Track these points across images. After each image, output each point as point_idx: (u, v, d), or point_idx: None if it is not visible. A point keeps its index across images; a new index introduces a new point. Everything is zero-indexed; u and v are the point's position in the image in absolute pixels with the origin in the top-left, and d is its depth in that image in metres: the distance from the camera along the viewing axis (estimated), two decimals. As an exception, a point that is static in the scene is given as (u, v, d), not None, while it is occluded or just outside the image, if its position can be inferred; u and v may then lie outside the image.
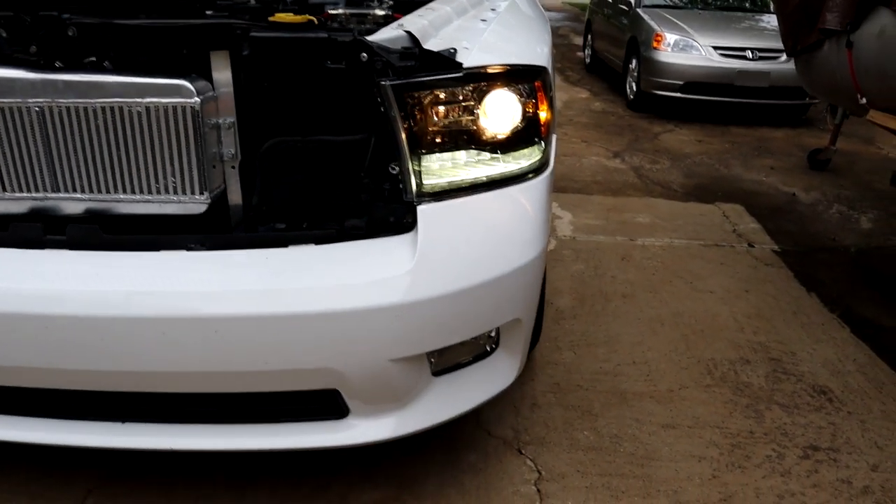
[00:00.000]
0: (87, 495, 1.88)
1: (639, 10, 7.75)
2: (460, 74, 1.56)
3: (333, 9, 1.96)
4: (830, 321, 3.00)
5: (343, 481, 1.95)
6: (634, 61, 7.42)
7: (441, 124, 1.60)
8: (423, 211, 1.56)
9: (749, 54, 6.66)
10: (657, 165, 5.38)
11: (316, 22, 1.63)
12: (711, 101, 6.82)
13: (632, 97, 7.47)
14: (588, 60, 10.09)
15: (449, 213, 1.59)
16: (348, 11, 1.93)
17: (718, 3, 8.31)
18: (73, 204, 1.64)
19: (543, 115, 1.75)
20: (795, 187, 4.91)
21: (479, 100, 1.62)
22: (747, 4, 8.23)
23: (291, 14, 1.60)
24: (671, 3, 8.08)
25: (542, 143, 1.76)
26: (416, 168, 1.57)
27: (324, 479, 1.96)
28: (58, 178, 1.61)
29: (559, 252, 3.59)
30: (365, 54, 1.52)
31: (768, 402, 2.40)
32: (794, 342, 2.80)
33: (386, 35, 1.60)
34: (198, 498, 1.88)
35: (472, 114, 1.62)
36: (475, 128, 1.63)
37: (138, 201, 1.61)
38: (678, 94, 6.83)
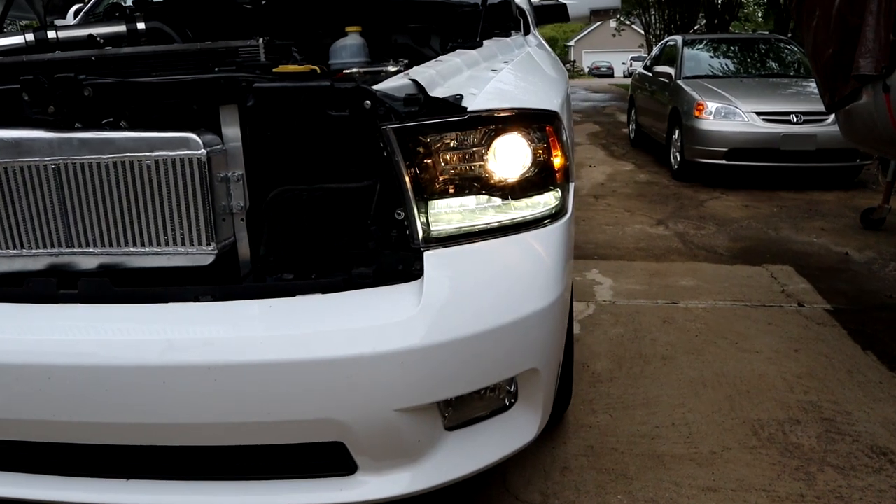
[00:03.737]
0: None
1: (679, 82, 7.79)
2: (465, 118, 1.55)
3: (348, 69, 1.99)
4: (890, 379, 2.81)
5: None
6: (677, 131, 7.41)
7: (447, 170, 1.58)
8: (430, 256, 1.53)
9: (793, 118, 6.57)
10: (702, 231, 5.27)
11: (319, 71, 1.65)
12: (757, 167, 6.72)
13: (676, 167, 7.42)
14: (632, 135, 10.14)
15: (457, 259, 1.55)
16: (362, 70, 1.96)
17: (759, 71, 8.30)
18: (86, 259, 1.66)
19: (557, 160, 1.72)
20: (848, 247, 4.73)
21: (487, 144, 1.60)
22: (791, 72, 8.17)
23: (295, 65, 1.63)
24: (711, 74, 8.10)
25: (558, 190, 1.72)
26: (423, 214, 1.55)
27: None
28: (72, 233, 1.64)
29: (597, 317, 3.50)
30: (368, 101, 1.53)
31: (821, 464, 2.23)
32: (849, 401, 2.63)
33: (391, 84, 1.61)
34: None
35: (480, 159, 1.60)
36: (483, 173, 1.60)
37: (148, 254, 1.62)
38: (723, 161, 6.75)
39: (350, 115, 1.55)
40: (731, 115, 6.77)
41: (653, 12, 24.30)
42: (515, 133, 1.63)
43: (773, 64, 8.49)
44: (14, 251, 1.67)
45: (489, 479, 2.11)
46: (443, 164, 1.58)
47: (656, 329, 3.33)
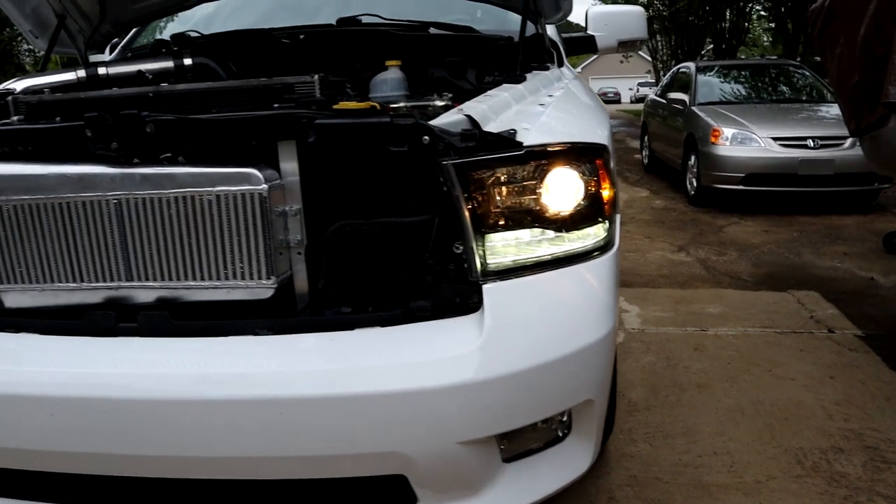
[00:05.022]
0: None
1: (694, 108, 7.84)
2: (521, 153, 1.57)
3: (395, 103, 2.03)
4: (928, 407, 2.80)
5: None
6: (693, 157, 7.43)
7: (504, 203, 1.60)
8: (489, 290, 1.54)
9: (810, 143, 6.59)
10: (724, 257, 5.27)
11: (378, 108, 1.67)
12: (775, 192, 6.73)
13: (692, 193, 7.44)
14: (646, 161, 10.17)
15: (515, 292, 1.57)
16: (409, 104, 1.99)
17: (772, 96, 8.35)
18: (145, 292, 1.68)
19: (606, 193, 1.74)
20: (873, 272, 4.72)
21: (541, 178, 1.62)
22: (803, 97, 8.22)
23: (355, 102, 1.66)
24: (725, 100, 8.14)
25: (607, 222, 1.74)
26: (481, 247, 1.57)
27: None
28: (132, 267, 1.66)
29: (628, 345, 3.49)
30: (427, 137, 1.55)
31: (869, 494, 2.22)
32: (891, 429, 2.61)
33: (447, 119, 1.63)
34: None
35: (535, 193, 1.62)
36: (538, 207, 1.62)
37: (207, 288, 1.64)
38: (740, 187, 6.77)
39: (408, 150, 1.57)
40: (747, 141, 6.79)
41: (659, 38, 24.51)
42: (568, 167, 1.65)
43: (786, 89, 8.54)
44: (74, 284, 1.70)
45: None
46: (498, 197, 1.59)
47: (688, 357, 3.33)
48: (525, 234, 1.62)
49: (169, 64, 2.39)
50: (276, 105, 1.69)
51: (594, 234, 1.71)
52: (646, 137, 10.16)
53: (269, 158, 1.64)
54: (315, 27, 2.75)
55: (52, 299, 1.72)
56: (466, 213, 1.55)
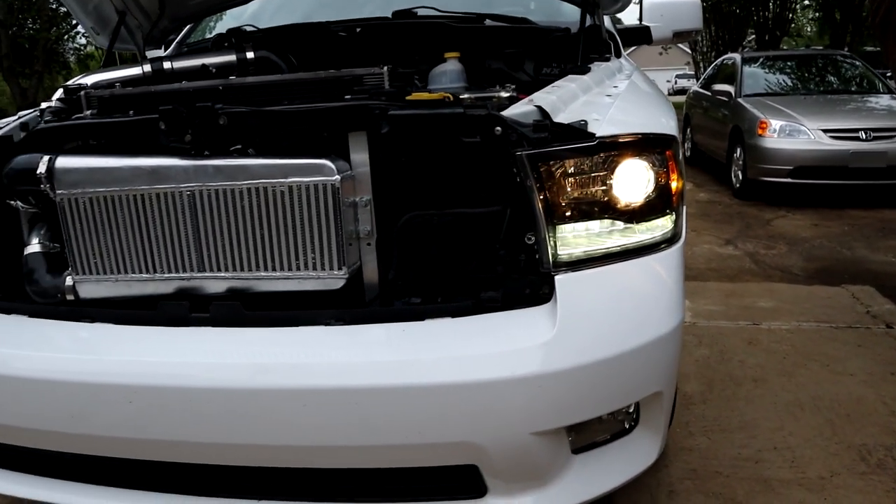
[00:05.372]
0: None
1: (740, 100, 7.71)
2: (594, 143, 1.57)
3: (460, 93, 2.03)
4: None
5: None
6: (739, 150, 7.32)
7: (575, 194, 1.59)
8: (561, 281, 1.54)
9: (862, 135, 6.45)
10: (773, 251, 5.19)
11: (451, 98, 1.68)
12: (824, 185, 6.60)
13: (738, 185, 7.34)
14: (688, 153, 10.03)
15: (586, 283, 1.56)
16: (474, 95, 2.00)
17: (820, 87, 8.18)
18: (216, 283, 1.71)
19: (674, 184, 1.72)
20: (929, 267, 4.62)
21: (612, 169, 1.61)
22: (853, 87, 8.04)
23: (427, 93, 1.67)
24: (772, 91, 8.00)
25: (674, 214, 1.73)
26: (552, 238, 1.56)
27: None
28: (204, 258, 1.69)
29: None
30: (499, 128, 1.56)
31: (936, 491, 2.18)
32: (954, 427, 2.56)
33: (518, 110, 1.64)
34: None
35: (605, 183, 1.61)
36: (608, 197, 1.61)
37: (278, 278, 1.66)
38: (788, 180, 6.65)
39: (481, 141, 1.57)
40: (795, 133, 6.67)
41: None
42: (638, 158, 1.64)
43: (835, 79, 8.36)
44: (147, 275, 1.73)
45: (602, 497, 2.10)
46: (570, 188, 1.59)
47: (742, 351, 3.29)
48: (595, 225, 1.62)
49: (231, 58, 2.42)
50: (347, 97, 1.70)
51: (662, 225, 1.70)
52: (688, 130, 10.03)
53: (339, 149, 1.66)
54: (371, 20, 2.77)
55: (126, 290, 1.76)
56: (539, 204, 1.55)
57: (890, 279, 4.38)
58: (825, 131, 6.59)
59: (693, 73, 29.67)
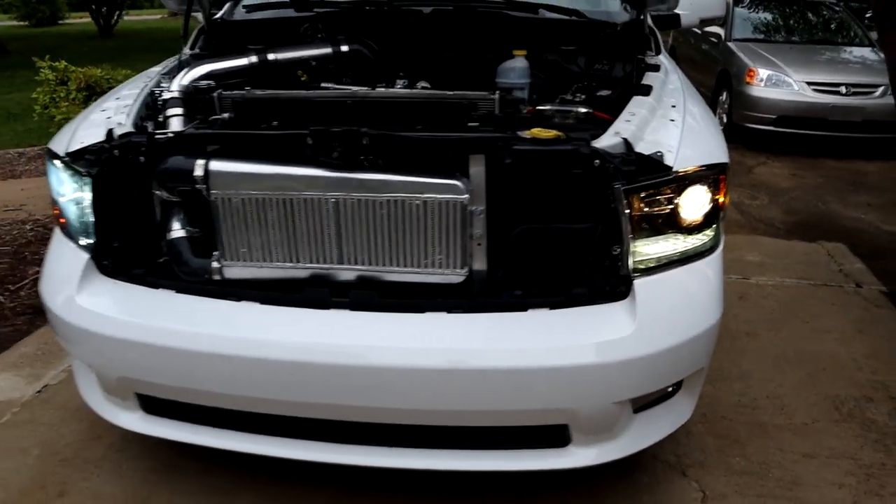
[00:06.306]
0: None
1: (729, 44, 8.03)
2: (671, 177, 1.97)
3: (542, 105, 2.39)
4: (944, 362, 3.29)
5: (544, 499, 2.37)
6: (725, 94, 7.70)
7: (651, 213, 2.00)
8: (639, 284, 1.97)
9: (843, 90, 6.89)
10: (756, 201, 5.69)
11: (564, 136, 2.04)
12: (804, 135, 7.07)
13: (721, 128, 7.72)
14: (672, 86, 10.32)
15: (657, 285, 2.00)
16: (554, 108, 2.36)
17: (809, 35, 8.52)
18: (347, 273, 2.08)
19: (721, 199, 2.14)
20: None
21: (680, 193, 2.02)
22: (838, 38, 8.41)
23: (543, 129, 2.03)
24: (761, 37, 8.32)
25: (719, 223, 2.15)
26: (633, 249, 1.98)
27: (528, 499, 2.37)
28: (343, 253, 2.05)
29: (681, 290, 3.94)
30: (598, 161, 1.94)
31: (895, 438, 2.73)
32: (911, 382, 3.12)
33: (608, 142, 2.01)
34: (428, 504, 2.32)
35: (674, 204, 2.02)
36: (675, 215, 2.03)
37: (408, 272, 2.05)
38: (770, 128, 7.10)
39: (583, 171, 1.96)
40: (781, 84, 7.08)
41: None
42: (700, 184, 2.04)
43: (821, 28, 8.70)
44: (290, 264, 2.09)
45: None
46: (647, 209, 2.00)
47: (735, 305, 3.80)
48: (663, 238, 2.04)
49: (327, 50, 2.72)
50: (471, 124, 2.06)
51: (709, 233, 2.13)
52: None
53: (460, 166, 2.02)
54: (436, 3, 3.04)
55: (266, 273, 2.11)
56: (627, 225, 1.96)
57: (860, 237, 4.92)
58: (809, 84, 7.01)
59: None
